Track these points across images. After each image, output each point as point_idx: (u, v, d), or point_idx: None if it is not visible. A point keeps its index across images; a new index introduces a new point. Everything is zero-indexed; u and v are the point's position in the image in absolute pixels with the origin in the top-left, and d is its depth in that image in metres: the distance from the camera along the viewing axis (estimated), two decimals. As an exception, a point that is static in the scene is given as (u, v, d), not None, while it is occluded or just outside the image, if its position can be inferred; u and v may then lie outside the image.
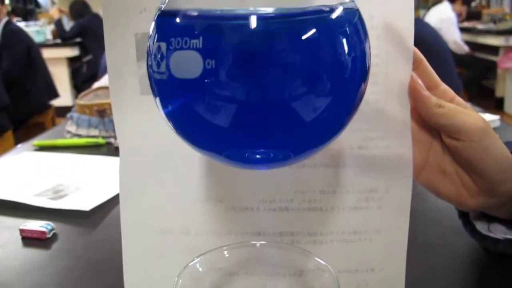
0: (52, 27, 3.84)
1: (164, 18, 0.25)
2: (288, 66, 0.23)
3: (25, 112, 2.51)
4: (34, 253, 0.52)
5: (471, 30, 4.00)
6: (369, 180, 0.35)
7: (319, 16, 0.25)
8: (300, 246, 0.35)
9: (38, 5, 4.90)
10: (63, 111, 1.49)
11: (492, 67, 3.70)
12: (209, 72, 0.23)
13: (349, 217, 0.36)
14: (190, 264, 0.30)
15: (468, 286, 0.45)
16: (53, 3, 4.63)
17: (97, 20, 3.33)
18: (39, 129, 2.12)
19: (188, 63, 0.23)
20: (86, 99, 0.98)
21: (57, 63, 3.43)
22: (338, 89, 0.25)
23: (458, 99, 0.36)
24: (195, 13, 0.24)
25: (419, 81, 0.34)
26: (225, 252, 0.32)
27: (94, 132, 0.93)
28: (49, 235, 0.55)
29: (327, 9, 0.24)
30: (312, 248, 0.36)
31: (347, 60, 0.25)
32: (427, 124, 0.36)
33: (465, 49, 3.53)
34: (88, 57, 3.42)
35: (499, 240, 0.44)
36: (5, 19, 2.44)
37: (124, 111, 0.35)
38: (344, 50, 0.25)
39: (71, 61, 3.66)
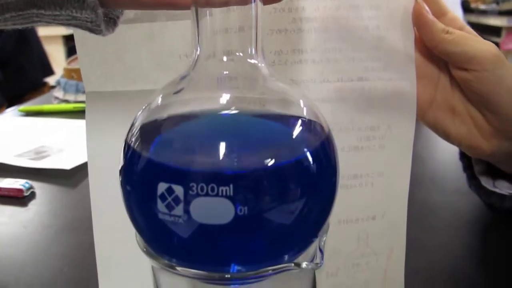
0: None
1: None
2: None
3: (19, 89, 2.46)
4: (11, 211, 0.49)
5: (473, 10, 3.94)
6: (370, 116, 0.32)
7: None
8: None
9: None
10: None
11: (494, 48, 3.64)
12: None
13: (349, 158, 0.32)
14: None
15: (469, 245, 0.42)
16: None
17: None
18: (34, 106, 2.08)
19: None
20: (73, 64, 0.94)
21: (53, 41, 3.37)
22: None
23: (468, 28, 0.32)
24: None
25: (425, 6, 0.30)
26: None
27: (82, 97, 0.88)
28: (26, 194, 0.51)
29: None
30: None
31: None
32: (433, 55, 0.32)
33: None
34: (85, 36, 3.35)
35: (505, 196, 0.41)
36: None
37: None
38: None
39: (67, 39, 3.60)
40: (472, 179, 0.40)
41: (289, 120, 0.20)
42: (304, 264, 0.19)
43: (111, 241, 0.32)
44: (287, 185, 0.18)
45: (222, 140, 0.18)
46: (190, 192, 0.17)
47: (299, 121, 0.20)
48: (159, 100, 0.20)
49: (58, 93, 0.91)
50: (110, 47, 0.30)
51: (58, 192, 0.54)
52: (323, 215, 0.20)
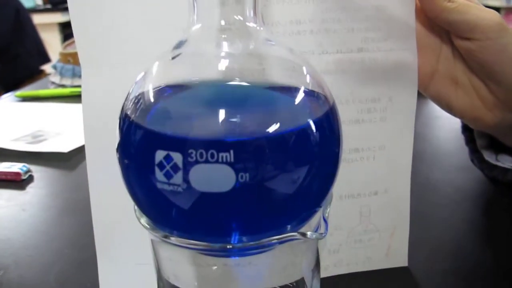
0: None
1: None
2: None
3: (16, 77, 2.44)
4: (9, 194, 0.48)
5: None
6: (371, 88, 0.31)
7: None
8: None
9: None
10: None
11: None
12: None
13: (350, 132, 0.31)
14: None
15: (472, 219, 0.42)
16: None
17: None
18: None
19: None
20: (70, 48, 0.93)
21: (48, 28, 3.34)
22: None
23: None
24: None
25: None
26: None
27: (79, 81, 0.87)
28: (24, 177, 0.51)
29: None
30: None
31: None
32: (434, 25, 0.32)
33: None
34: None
35: (508, 169, 0.41)
36: (-9, -19, 2.36)
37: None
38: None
39: (63, 27, 3.56)
40: (475, 152, 0.39)
41: (291, 87, 0.20)
42: (308, 234, 0.18)
43: (109, 220, 0.31)
44: (289, 152, 0.17)
45: (222, 105, 0.17)
46: (189, 159, 0.16)
47: (302, 87, 0.20)
48: (155, 67, 0.20)
49: (54, 78, 0.90)
50: (105, 22, 0.29)
51: (56, 175, 0.53)
52: (326, 185, 0.20)
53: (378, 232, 0.34)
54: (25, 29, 2.49)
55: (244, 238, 0.18)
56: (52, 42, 3.28)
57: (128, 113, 0.19)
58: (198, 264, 0.27)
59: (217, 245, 0.18)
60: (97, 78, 0.30)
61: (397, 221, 0.34)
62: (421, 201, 0.43)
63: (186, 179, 0.16)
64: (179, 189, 0.17)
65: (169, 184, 0.17)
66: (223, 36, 0.19)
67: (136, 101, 0.19)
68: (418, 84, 0.31)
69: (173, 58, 0.19)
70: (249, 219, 0.18)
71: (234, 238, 0.18)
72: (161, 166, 0.17)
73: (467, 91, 0.32)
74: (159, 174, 0.17)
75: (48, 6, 3.55)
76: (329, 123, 0.19)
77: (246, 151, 0.16)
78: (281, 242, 0.19)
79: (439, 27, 0.31)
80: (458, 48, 0.31)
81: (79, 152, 0.57)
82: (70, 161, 0.56)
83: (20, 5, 2.53)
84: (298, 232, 0.19)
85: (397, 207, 0.34)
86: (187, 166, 0.16)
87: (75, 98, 0.83)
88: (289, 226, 0.19)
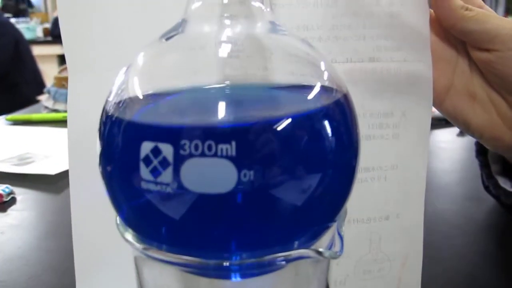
0: (44, 26, 3.76)
1: None
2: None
3: (13, 106, 2.42)
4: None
5: None
6: (383, 101, 0.29)
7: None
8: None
9: (30, 5, 4.82)
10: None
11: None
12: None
13: (360, 148, 0.29)
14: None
15: (486, 251, 0.39)
16: (46, 4, 4.55)
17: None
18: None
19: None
20: (65, 73, 0.91)
21: (47, 60, 3.36)
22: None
23: (487, 7, 0.30)
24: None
25: None
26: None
27: (73, 106, 0.85)
28: (6, 199, 0.48)
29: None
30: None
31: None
32: (450, 36, 0.29)
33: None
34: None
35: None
36: (-7, 11, 2.38)
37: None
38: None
39: (62, 59, 3.58)
40: (490, 178, 0.37)
41: (302, 73, 0.17)
42: (322, 251, 0.15)
43: (91, 243, 0.28)
44: (303, 145, 0.14)
45: (223, 90, 0.14)
46: (181, 152, 0.13)
47: (314, 74, 0.17)
48: (145, 49, 0.17)
49: (47, 102, 0.88)
50: (95, 27, 0.27)
51: (41, 198, 0.50)
52: (344, 189, 0.17)
53: (389, 261, 0.31)
54: (24, 59, 2.50)
55: (245, 253, 0.15)
56: (50, 74, 3.28)
57: (111, 109, 0.16)
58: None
59: (212, 262, 0.15)
60: (84, 83, 0.27)
61: (409, 250, 0.31)
62: (431, 231, 0.40)
63: (177, 177, 0.14)
64: (168, 189, 0.14)
65: (157, 183, 0.14)
66: (225, 14, 0.16)
67: (119, 92, 0.16)
68: (433, 99, 0.29)
69: (166, 39, 0.17)
70: (252, 229, 0.15)
71: (233, 252, 0.15)
72: (147, 161, 0.14)
73: (486, 107, 0.30)
74: (144, 171, 0.14)
75: (49, 38, 3.59)
76: (344, 114, 0.17)
77: (251, 141, 0.13)
78: (289, 260, 0.16)
79: (454, 38, 0.29)
80: (476, 61, 0.29)
81: (66, 176, 0.54)
82: (56, 184, 0.52)
83: (21, 36, 2.54)
84: (310, 249, 0.16)
85: (409, 234, 0.31)
86: (178, 160, 0.13)
87: (68, 122, 0.80)
88: (297, 243, 0.16)
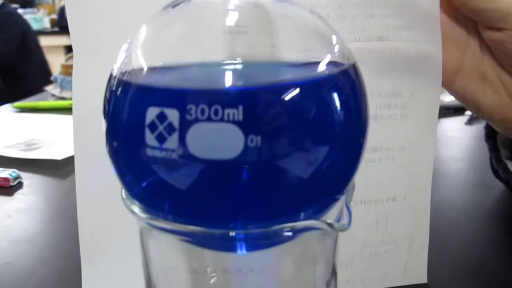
0: (51, 16, 3.76)
1: None
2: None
3: (19, 97, 2.43)
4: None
5: None
6: (391, 81, 0.28)
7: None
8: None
9: (38, -4, 4.82)
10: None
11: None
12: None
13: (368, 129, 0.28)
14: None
15: (495, 238, 0.38)
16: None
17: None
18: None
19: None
20: (71, 60, 0.91)
21: (54, 51, 3.36)
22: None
23: None
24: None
25: None
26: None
27: (79, 94, 0.85)
28: (13, 183, 0.48)
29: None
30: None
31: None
32: (460, 15, 0.29)
33: None
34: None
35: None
36: (0, 1, 2.39)
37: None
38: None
39: (69, 49, 3.59)
40: (500, 162, 0.36)
41: (309, 49, 0.17)
42: (330, 222, 0.15)
43: (96, 226, 0.28)
44: (309, 110, 0.14)
45: (231, 60, 0.14)
46: (187, 116, 0.13)
47: (323, 43, 0.17)
48: (149, 20, 0.17)
49: (54, 90, 0.88)
50: (101, 10, 0.27)
51: (47, 183, 0.50)
52: (351, 158, 0.17)
53: (395, 243, 0.30)
54: (30, 50, 2.50)
55: (251, 223, 0.15)
56: (57, 64, 3.29)
57: (115, 78, 0.16)
58: (194, 270, 0.23)
59: (218, 231, 0.15)
60: (90, 67, 0.27)
61: (415, 232, 0.31)
62: (439, 218, 0.39)
63: (182, 142, 0.13)
64: (174, 155, 0.14)
65: (162, 149, 0.14)
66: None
67: (125, 61, 0.16)
68: (442, 80, 0.29)
69: (173, 6, 0.16)
70: (258, 198, 0.15)
71: (239, 221, 0.15)
72: (152, 127, 0.14)
73: (496, 89, 0.29)
74: (149, 138, 0.14)
75: (56, 29, 3.59)
76: (353, 82, 0.17)
77: (259, 107, 0.13)
78: (296, 231, 0.15)
79: (465, 17, 0.29)
80: (487, 40, 0.28)
81: (72, 161, 0.54)
82: (63, 169, 0.53)
83: (28, 27, 2.55)
84: (319, 220, 0.15)
85: (416, 216, 0.30)
86: (184, 126, 0.13)
87: (74, 110, 0.81)
88: (303, 214, 0.16)
